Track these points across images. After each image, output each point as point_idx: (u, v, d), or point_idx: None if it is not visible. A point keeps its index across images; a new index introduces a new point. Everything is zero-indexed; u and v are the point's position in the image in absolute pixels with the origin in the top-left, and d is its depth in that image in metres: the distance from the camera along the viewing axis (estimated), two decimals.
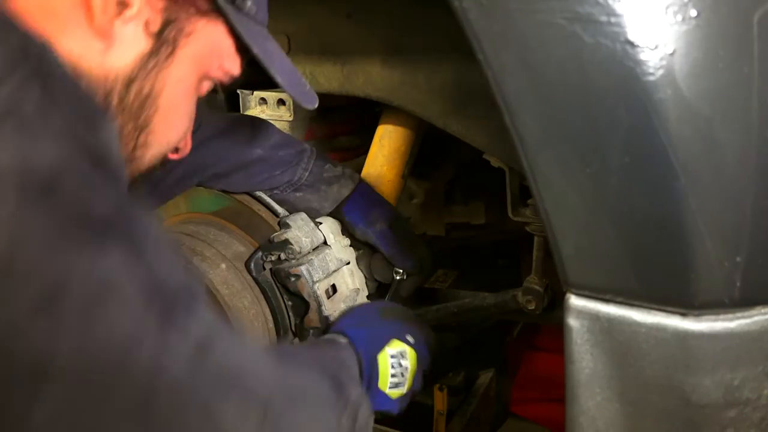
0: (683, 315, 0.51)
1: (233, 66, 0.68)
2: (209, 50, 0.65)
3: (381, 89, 1.08)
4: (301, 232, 1.07)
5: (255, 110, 1.25)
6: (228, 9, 0.62)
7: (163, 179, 1.00)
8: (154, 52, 0.60)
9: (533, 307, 1.02)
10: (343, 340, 0.89)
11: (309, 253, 1.08)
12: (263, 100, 1.25)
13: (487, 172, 1.08)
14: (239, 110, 1.28)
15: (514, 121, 0.48)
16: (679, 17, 0.42)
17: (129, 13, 0.57)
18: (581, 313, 0.54)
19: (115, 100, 0.59)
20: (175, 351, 0.47)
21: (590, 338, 0.54)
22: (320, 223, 1.11)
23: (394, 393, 0.90)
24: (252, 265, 1.06)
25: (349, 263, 1.14)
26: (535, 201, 0.51)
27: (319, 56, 1.16)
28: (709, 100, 0.44)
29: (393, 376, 0.91)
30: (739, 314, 0.51)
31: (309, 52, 1.17)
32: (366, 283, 1.16)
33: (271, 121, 1.15)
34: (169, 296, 0.48)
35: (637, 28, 0.42)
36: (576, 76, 0.45)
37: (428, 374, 0.98)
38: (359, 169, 1.29)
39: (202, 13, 0.63)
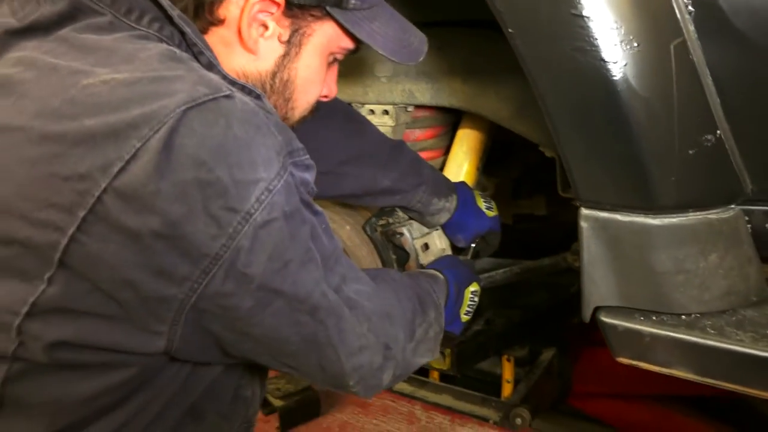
0: (646, 214, 0.91)
1: (348, 44, 0.95)
2: (326, 41, 0.92)
3: (461, 100, 1.51)
4: None
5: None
6: (334, 11, 0.88)
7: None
8: (287, 53, 0.90)
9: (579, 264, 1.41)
10: (440, 275, 1.29)
11: (409, 219, 1.51)
12: (372, 111, 1.71)
13: (548, 172, 1.43)
14: None
15: (546, 106, 0.90)
16: (627, 47, 0.83)
17: (267, 33, 0.87)
18: (587, 218, 0.95)
19: (268, 88, 0.91)
20: (329, 283, 0.83)
21: (592, 233, 0.95)
22: None
23: (465, 318, 1.33)
24: (367, 226, 1.49)
25: (438, 229, 1.56)
26: (558, 150, 0.92)
27: (415, 77, 1.61)
28: (647, 88, 0.85)
29: (469, 306, 1.32)
30: (679, 214, 0.90)
31: (408, 74, 1.62)
32: (450, 245, 1.59)
33: (379, 126, 1.60)
34: (328, 253, 0.85)
35: (606, 52, 0.84)
36: (576, 79, 0.87)
37: None
38: (442, 166, 1.73)
39: (316, 18, 0.89)
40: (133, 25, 0.77)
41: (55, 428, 0.76)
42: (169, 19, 0.78)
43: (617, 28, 0.83)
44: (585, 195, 0.94)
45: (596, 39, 0.83)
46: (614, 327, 0.97)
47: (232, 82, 0.79)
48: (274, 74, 0.91)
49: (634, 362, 0.96)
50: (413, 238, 1.50)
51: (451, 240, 1.55)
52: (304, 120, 1.01)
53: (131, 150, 0.65)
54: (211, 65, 0.80)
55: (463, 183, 1.57)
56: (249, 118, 0.71)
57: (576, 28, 0.84)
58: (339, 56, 0.98)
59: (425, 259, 1.51)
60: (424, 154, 1.77)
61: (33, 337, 0.71)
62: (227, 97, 0.70)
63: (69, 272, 0.68)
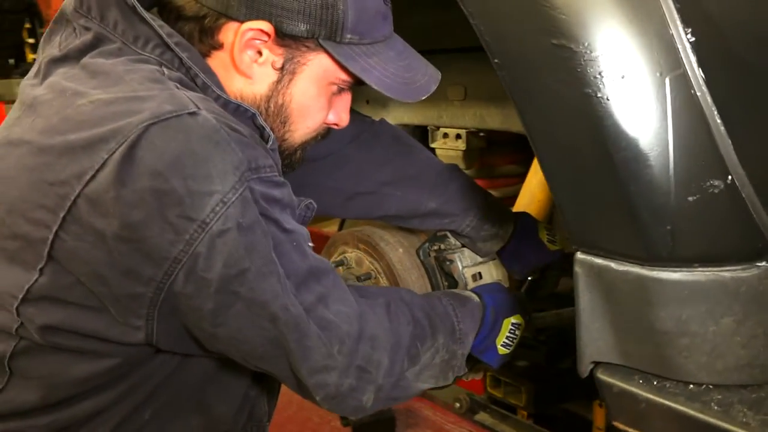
0: (642, 265, 0.81)
1: (344, 76, 0.97)
2: (322, 71, 0.96)
3: None
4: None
5: (438, 142, 1.71)
6: (328, 45, 0.92)
7: (352, 209, 1.45)
8: (280, 80, 0.95)
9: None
10: (475, 298, 1.24)
11: (462, 246, 1.48)
12: (445, 134, 1.71)
13: None
14: (428, 141, 1.74)
15: (533, 141, 0.85)
16: (611, 79, 0.76)
17: (260, 59, 0.93)
18: (582, 263, 0.87)
19: (263, 111, 0.96)
20: (300, 300, 0.86)
21: (588, 281, 0.87)
22: None
23: (502, 350, 1.26)
24: (420, 251, 1.49)
25: (495, 259, 1.51)
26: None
27: (486, 102, 1.58)
28: (635, 126, 0.76)
29: (507, 338, 1.26)
30: (681, 268, 0.80)
31: (479, 98, 1.59)
32: (508, 278, 1.52)
33: (449, 150, 1.59)
34: (300, 271, 0.88)
35: (588, 85, 0.77)
36: (559, 113, 0.80)
37: None
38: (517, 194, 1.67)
39: (310, 49, 0.93)
40: (139, 51, 0.88)
41: (51, 400, 0.89)
42: (168, 46, 0.87)
43: (599, 59, 0.76)
44: (578, 238, 0.86)
45: (577, 70, 0.77)
46: (610, 387, 0.88)
47: (226, 102, 0.89)
48: (268, 98, 0.97)
49: (630, 429, 0.86)
50: (463, 266, 1.46)
51: (508, 271, 1.48)
52: (311, 143, 1.07)
53: (100, 161, 0.76)
54: (206, 86, 0.89)
55: (525, 213, 1.50)
56: (208, 134, 0.78)
57: (557, 59, 0.78)
58: (343, 86, 1.01)
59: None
60: (498, 182, 1.73)
61: (28, 319, 0.84)
62: (191, 114, 0.78)
63: (57, 265, 0.81)
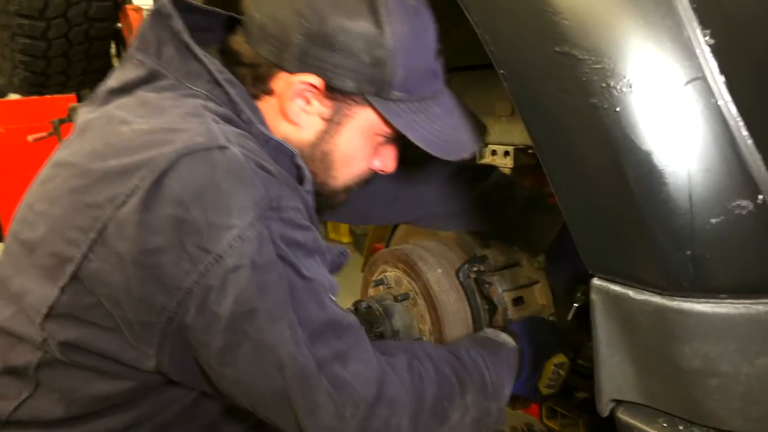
0: (661, 294, 0.73)
1: (389, 130, 1.00)
2: (368, 125, 0.99)
3: None
4: (498, 251, 1.41)
5: (487, 159, 1.65)
6: (374, 101, 0.95)
7: (393, 206, 1.46)
8: (327, 130, 0.99)
9: None
10: (511, 344, 1.18)
11: (503, 268, 1.41)
12: (494, 152, 1.64)
13: None
14: (476, 158, 1.68)
15: (541, 155, 0.79)
16: (619, 88, 0.69)
17: (310, 109, 0.97)
18: (599, 290, 0.79)
19: (307, 156, 0.99)
20: (312, 352, 0.82)
21: (605, 310, 0.79)
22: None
23: (546, 391, 1.20)
24: (460, 273, 1.43)
25: (538, 282, 1.42)
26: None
27: None
28: (648, 139, 0.68)
29: (550, 380, 1.19)
30: (705, 299, 0.70)
31: None
32: (553, 302, 1.43)
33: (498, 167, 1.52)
34: (317, 322, 0.85)
35: (595, 95, 0.70)
36: (565, 125, 0.74)
37: None
38: None
39: (357, 103, 0.96)
40: (190, 86, 0.92)
41: (72, 414, 0.91)
42: (217, 81, 0.91)
43: (606, 67, 0.69)
44: (591, 262, 0.79)
45: (582, 79, 0.71)
46: (631, 429, 0.79)
47: (268, 139, 0.92)
48: (314, 145, 1.00)
49: None
50: (503, 290, 1.39)
51: (555, 277, 1.38)
52: (355, 187, 1.09)
53: (132, 187, 0.78)
54: (250, 121, 0.93)
55: None
56: (234, 169, 0.79)
57: (561, 68, 0.72)
58: (388, 137, 1.03)
59: (516, 314, 1.39)
60: (551, 200, 1.63)
61: (50, 334, 0.87)
62: (220, 148, 0.80)
63: (79, 285, 0.84)
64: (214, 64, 0.92)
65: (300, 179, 0.94)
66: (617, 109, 0.69)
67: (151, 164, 0.78)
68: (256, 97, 0.98)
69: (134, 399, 0.93)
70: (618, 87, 0.69)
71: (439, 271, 1.47)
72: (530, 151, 1.58)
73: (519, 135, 1.55)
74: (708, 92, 0.67)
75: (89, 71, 3.10)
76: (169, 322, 0.80)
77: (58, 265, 0.83)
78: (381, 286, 1.54)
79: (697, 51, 0.67)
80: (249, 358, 0.81)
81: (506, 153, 1.61)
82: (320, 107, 0.97)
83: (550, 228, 1.36)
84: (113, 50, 3.23)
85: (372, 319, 1.40)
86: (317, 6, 0.90)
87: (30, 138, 3.82)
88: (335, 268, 0.98)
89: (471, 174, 1.44)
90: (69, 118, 3.66)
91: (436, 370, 1.01)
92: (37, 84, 3.05)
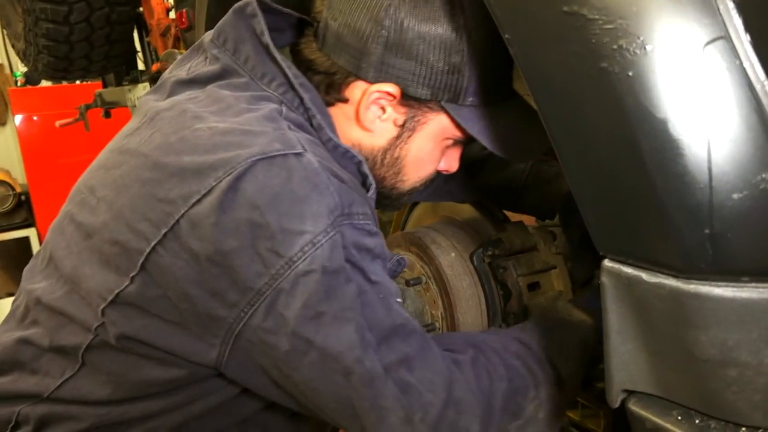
0: (675, 277, 0.67)
1: (460, 135, 1.02)
2: (440, 129, 1.01)
3: None
4: (514, 234, 1.35)
5: None
6: (449, 107, 0.96)
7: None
8: (399, 135, 1.01)
9: None
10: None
11: (519, 252, 1.35)
12: None
13: None
14: None
15: (547, 127, 0.73)
16: (633, 50, 0.62)
17: (384, 116, 0.98)
18: (610, 272, 0.73)
19: (378, 161, 1.02)
20: (378, 356, 0.81)
21: (617, 293, 0.73)
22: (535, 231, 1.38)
23: None
24: (474, 257, 1.38)
25: (555, 268, 1.36)
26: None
27: None
28: (664, 106, 0.62)
29: None
30: (725, 282, 0.64)
31: None
32: (572, 287, 1.37)
33: None
34: (384, 325, 0.84)
35: (606, 58, 0.64)
36: (574, 92, 0.68)
37: None
38: None
39: (432, 110, 0.98)
40: (264, 87, 0.93)
41: (115, 397, 0.91)
42: (292, 86, 0.92)
43: (618, 27, 0.63)
44: (602, 242, 0.73)
45: (592, 42, 0.65)
46: (643, 421, 0.74)
47: (336, 145, 0.93)
48: (385, 150, 1.02)
49: None
50: (518, 274, 1.33)
51: (575, 259, 1.31)
52: (420, 189, 1.11)
53: (208, 187, 0.78)
54: (321, 127, 0.93)
55: None
56: (309, 176, 0.79)
57: (569, 30, 0.66)
58: (458, 141, 1.04)
59: (531, 299, 1.34)
60: None
61: (111, 321, 0.87)
62: (297, 154, 0.81)
63: (147, 276, 0.83)
64: (290, 68, 0.93)
65: (365, 186, 0.95)
66: (630, 74, 0.63)
67: (228, 166, 0.78)
68: (329, 104, 0.98)
69: (179, 387, 0.92)
70: (631, 49, 0.63)
71: (453, 254, 1.42)
72: None
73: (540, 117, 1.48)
74: (732, 53, 0.61)
75: (111, 56, 3.11)
76: (237, 320, 0.80)
77: (121, 254, 0.83)
78: None
79: (720, 7, 0.60)
80: (315, 367, 0.81)
81: None
82: (394, 114, 0.98)
83: (563, 182, 1.30)
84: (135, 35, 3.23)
85: None
86: (396, 14, 0.89)
87: (57, 123, 3.87)
88: (391, 275, 0.98)
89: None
90: (95, 104, 3.69)
91: (505, 364, 0.95)
92: (61, 69, 3.07)
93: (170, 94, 0.95)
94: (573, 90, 0.68)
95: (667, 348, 0.71)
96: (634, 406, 0.75)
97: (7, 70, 5.87)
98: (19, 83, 5.63)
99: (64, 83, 4.80)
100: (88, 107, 3.69)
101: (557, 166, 1.32)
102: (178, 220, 0.79)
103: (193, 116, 0.86)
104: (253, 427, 1.02)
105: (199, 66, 0.97)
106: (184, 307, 0.82)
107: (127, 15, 2.96)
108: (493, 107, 0.99)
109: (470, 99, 0.96)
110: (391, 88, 0.94)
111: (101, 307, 0.84)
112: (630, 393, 0.77)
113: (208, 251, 0.77)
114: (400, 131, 1.00)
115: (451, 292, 1.37)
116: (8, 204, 4.66)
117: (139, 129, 0.91)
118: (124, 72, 3.39)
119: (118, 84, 3.53)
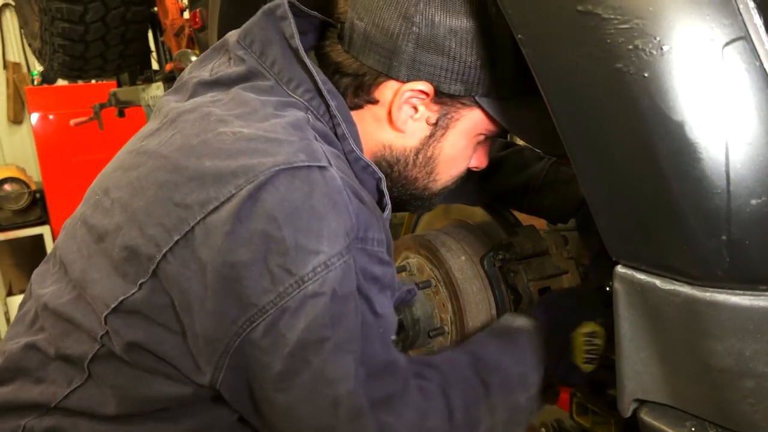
0: (690, 284, 0.65)
1: (495, 129, 1.00)
2: (473, 125, 0.98)
3: None
4: (525, 238, 1.33)
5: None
6: (483, 101, 0.93)
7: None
8: (433, 134, 0.98)
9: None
10: (528, 328, 1.09)
11: (530, 256, 1.33)
12: None
13: None
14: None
15: (560, 130, 0.72)
16: (649, 51, 0.61)
17: (416, 116, 0.96)
18: (622, 279, 0.71)
19: (410, 162, 1.00)
20: (367, 392, 0.79)
21: (630, 300, 0.71)
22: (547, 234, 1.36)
23: (588, 367, 1.09)
24: (485, 260, 1.36)
25: (567, 272, 1.34)
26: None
27: None
28: (681, 109, 0.61)
29: (586, 353, 1.09)
30: (742, 291, 0.62)
31: None
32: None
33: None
34: (379, 362, 0.82)
35: (622, 59, 0.63)
36: (587, 94, 0.67)
37: None
38: None
39: (465, 105, 0.95)
40: (290, 92, 0.90)
41: (122, 411, 0.88)
42: (320, 92, 0.89)
43: (633, 27, 0.61)
44: (615, 247, 0.71)
45: (607, 42, 0.63)
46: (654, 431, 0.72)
47: (357, 158, 0.90)
48: (418, 151, 0.99)
49: None
50: (528, 279, 1.31)
51: (593, 266, 1.29)
52: (451, 187, 1.08)
53: (227, 194, 0.75)
54: (344, 137, 0.91)
55: None
56: (331, 193, 0.77)
57: (583, 29, 0.65)
58: (490, 136, 1.03)
59: None
60: None
61: (114, 330, 0.84)
62: (321, 168, 0.77)
63: (157, 283, 0.80)
64: (319, 74, 0.90)
65: (381, 205, 0.93)
66: (645, 75, 0.61)
67: (250, 173, 0.75)
68: (358, 107, 0.96)
69: (184, 407, 0.89)
70: (647, 49, 0.61)
71: (463, 258, 1.40)
72: None
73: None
74: (751, 54, 0.59)
75: (126, 55, 3.12)
76: (234, 338, 0.76)
77: (131, 259, 0.80)
78: (403, 273, 1.48)
79: (740, 7, 0.59)
80: (305, 388, 0.77)
81: None
82: (427, 113, 0.95)
83: (577, 190, 1.26)
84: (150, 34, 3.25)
85: None
86: (426, 10, 0.87)
87: (72, 122, 3.89)
88: (397, 303, 0.95)
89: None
90: (109, 103, 3.71)
91: (461, 381, 0.95)
92: (76, 68, 3.09)
93: (192, 95, 0.93)
94: (587, 92, 0.67)
95: (681, 357, 0.69)
96: (646, 416, 0.73)
97: (24, 69, 5.93)
98: (35, 82, 5.68)
99: (80, 82, 4.84)
100: (102, 106, 3.71)
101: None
102: (192, 227, 0.75)
103: (217, 120, 0.83)
104: None
105: (222, 67, 0.94)
106: (186, 321, 0.79)
107: (142, 15, 2.97)
108: (524, 99, 0.95)
109: (503, 92, 0.93)
110: (424, 86, 0.91)
111: (104, 314, 0.81)
112: (642, 402, 0.75)
113: (216, 261, 0.74)
114: (433, 130, 0.97)
115: (461, 296, 1.35)
116: (23, 202, 4.70)
117: (159, 130, 0.87)
118: (138, 71, 3.41)
119: (133, 83, 3.55)
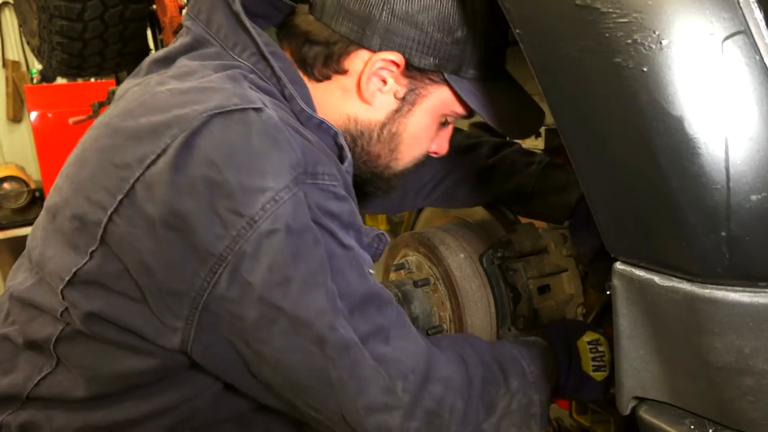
0: (690, 281, 0.64)
1: (460, 110, 1.00)
2: (439, 104, 0.98)
3: None
4: (524, 236, 1.33)
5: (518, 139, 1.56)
6: (451, 79, 0.94)
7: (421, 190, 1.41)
8: (399, 109, 0.98)
9: None
10: (541, 341, 1.10)
11: (529, 254, 1.33)
12: None
13: None
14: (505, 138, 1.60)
15: (558, 124, 0.71)
16: (648, 45, 0.60)
17: (385, 88, 0.95)
18: (621, 275, 0.71)
19: (374, 137, 0.99)
20: (351, 325, 0.78)
21: (628, 297, 0.70)
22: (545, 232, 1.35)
23: (599, 375, 1.08)
24: (484, 258, 1.35)
25: (566, 270, 1.33)
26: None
27: None
28: (680, 104, 0.60)
29: (595, 360, 1.09)
30: (742, 287, 0.62)
31: None
32: (583, 292, 1.34)
33: (526, 148, 1.44)
34: (357, 294, 0.80)
35: (620, 53, 0.62)
36: (585, 89, 0.66)
37: None
38: None
39: (433, 82, 0.96)
40: (235, 56, 0.90)
41: (93, 393, 0.87)
42: (263, 54, 0.88)
43: (632, 21, 0.61)
44: (613, 244, 0.71)
45: (605, 36, 0.62)
46: (653, 429, 0.71)
47: (309, 116, 0.90)
48: (383, 125, 0.98)
49: None
50: (528, 277, 1.31)
51: (580, 246, 1.28)
52: (411, 170, 1.08)
53: (163, 146, 0.74)
54: (292, 97, 0.90)
55: None
56: (269, 130, 0.75)
57: (582, 23, 0.64)
58: (450, 119, 1.04)
59: (542, 303, 1.31)
60: None
61: (72, 303, 0.82)
62: (256, 110, 0.76)
63: (107, 250, 0.79)
64: (261, 36, 0.90)
65: (341, 159, 0.91)
66: (644, 69, 0.61)
67: (183, 122, 0.74)
68: (326, 77, 0.96)
69: (157, 382, 0.87)
70: (646, 43, 0.60)
71: (462, 256, 1.39)
72: None
73: (551, 115, 1.46)
74: (752, 48, 0.58)
75: (125, 53, 3.11)
76: (200, 292, 0.74)
77: (81, 229, 0.79)
78: (402, 271, 1.47)
79: (740, 1, 0.58)
80: (286, 336, 0.76)
81: (537, 134, 1.52)
82: (396, 86, 0.95)
83: (572, 191, 1.26)
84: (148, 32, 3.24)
85: None
86: None
87: (71, 121, 3.89)
88: (371, 251, 0.93)
89: (491, 146, 1.38)
90: (108, 101, 3.70)
91: (479, 356, 0.95)
92: (74, 66, 3.08)
93: (146, 74, 0.93)
94: (585, 86, 0.66)
95: (680, 354, 0.68)
96: (645, 414, 0.73)
97: (24, 68, 5.92)
98: (35, 80, 5.67)
99: (79, 80, 4.83)
100: (101, 104, 3.70)
101: (567, 172, 1.29)
102: (133, 185, 0.74)
103: (156, 83, 0.83)
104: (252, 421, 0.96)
105: (175, 43, 0.95)
106: (144, 282, 0.77)
107: (141, 12, 2.96)
108: (492, 83, 0.97)
109: (471, 72, 0.94)
110: (395, 56, 0.91)
111: (60, 288, 0.80)
112: (641, 400, 0.75)
113: (163, 214, 0.72)
114: (400, 105, 0.97)
115: (460, 294, 1.35)
116: (22, 200, 4.69)
117: (110, 107, 0.89)
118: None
119: None
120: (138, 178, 0.74)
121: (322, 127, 0.90)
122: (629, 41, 0.61)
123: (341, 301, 0.78)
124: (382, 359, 0.79)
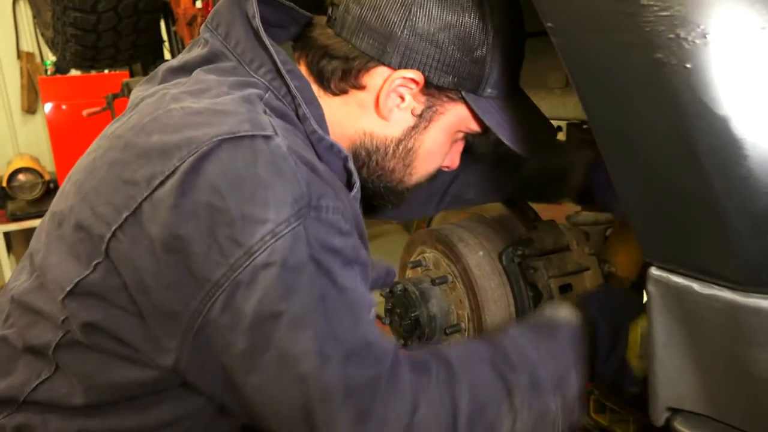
0: (732, 289, 0.61)
1: (475, 128, 0.99)
2: (456, 121, 0.98)
3: None
4: (545, 233, 1.29)
5: None
6: (469, 97, 0.94)
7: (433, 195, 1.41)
8: (416, 125, 0.97)
9: None
10: (572, 322, 0.97)
11: (550, 252, 1.29)
12: None
13: None
14: None
15: (593, 124, 0.67)
16: (692, 40, 0.57)
17: (402, 105, 0.95)
18: (657, 282, 0.67)
19: (390, 152, 0.98)
20: (337, 378, 0.73)
21: (665, 304, 0.67)
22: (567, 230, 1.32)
23: (640, 367, 0.95)
24: (503, 256, 1.32)
25: (588, 269, 1.30)
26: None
27: None
28: (725, 102, 0.56)
29: (642, 348, 0.93)
30: None
31: None
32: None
33: None
34: (348, 345, 0.75)
35: (662, 49, 0.58)
36: (623, 86, 0.62)
37: None
38: None
39: (450, 99, 0.95)
40: (251, 72, 0.89)
41: (90, 401, 0.86)
42: (280, 72, 0.88)
43: (675, 14, 0.57)
44: (650, 249, 0.67)
45: (645, 30, 0.59)
46: None
47: (321, 138, 0.88)
48: (399, 141, 0.98)
49: None
50: (549, 276, 1.27)
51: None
52: (423, 184, 1.08)
53: (172, 167, 0.74)
54: (305, 118, 0.88)
55: None
56: (276, 160, 0.74)
57: (620, 17, 0.60)
58: (469, 134, 1.03)
59: (563, 302, 1.27)
60: None
61: (72, 313, 0.82)
62: (265, 137, 0.75)
63: (110, 264, 0.79)
64: (279, 53, 0.89)
65: (349, 185, 0.91)
66: (688, 65, 0.57)
67: (192, 145, 0.74)
68: (342, 92, 0.95)
69: (153, 395, 0.86)
70: (690, 38, 0.57)
71: (481, 253, 1.36)
72: (585, 126, 1.45)
73: (573, 109, 1.42)
74: None
75: (138, 45, 3.10)
76: (195, 315, 0.74)
77: (85, 240, 0.79)
78: (419, 268, 1.45)
79: None
80: (272, 367, 0.74)
81: (558, 128, 1.49)
82: (413, 103, 0.95)
83: (578, 165, 1.27)
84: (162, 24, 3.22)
85: (408, 303, 1.32)
86: (425, 1, 0.88)
87: (85, 113, 3.89)
88: (377, 286, 0.91)
89: None
90: (122, 93, 3.69)
91: (475, 378, 0.85)
92: (88, 58, 3.08)
93: (161, 82, 0.93)
94: (623, 83, 0.62)
95: (719, 365, 0.65)
96: (680, 426, 0.70)
97: (38, 59, 5.93)
98: (49, 72, 5.68)
99: (93, 72, 4.83)
100: (115, 96, 3.69)
101: (566, 151, 1.30)
102: (140, 204, 0.74)
103: (171, 98, 0.83)
104: None
105: (192, 53, 0.95)
106: (141, 300, 0.77)
107: (154, 4, 2.94)
108: (508, 101, 0.97)
109: (489, 90, 0.94)
110: (415, 74, 0.91)
111: (60, 297, 0.80)
112: (676, 411, 0.71)
113: (165, 236, 0.73)
114: (417, 121, 0.97)
115: (479, 292, 1.32)
116: (37, 191, 4.71)
117: (123, 116, 0.89)
118: (150, 61, 3.39)
119: (145, 73, 3.53)
120: (146, 198, 0.74)
121: (332, 150, 0.89)
122: (671, 36, 0.57)
123: (331, 346, 0.74)
124: (364, 416, 0.75)
